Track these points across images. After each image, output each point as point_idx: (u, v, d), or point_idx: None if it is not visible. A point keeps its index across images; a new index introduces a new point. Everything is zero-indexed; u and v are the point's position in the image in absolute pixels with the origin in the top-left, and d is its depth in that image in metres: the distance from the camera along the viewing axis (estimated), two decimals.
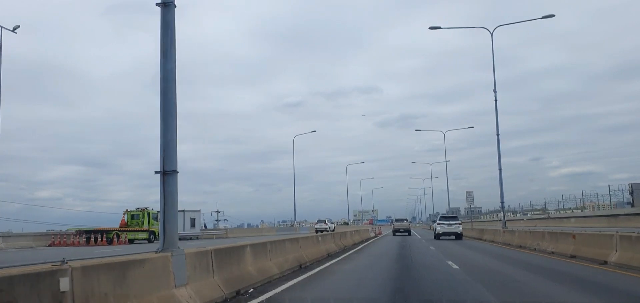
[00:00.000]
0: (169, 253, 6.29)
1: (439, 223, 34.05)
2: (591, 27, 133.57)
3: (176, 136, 7.12)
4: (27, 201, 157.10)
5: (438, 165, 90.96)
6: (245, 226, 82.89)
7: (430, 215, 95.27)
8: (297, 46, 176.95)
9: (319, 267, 13.29)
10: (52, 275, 4.12)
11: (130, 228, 37.48)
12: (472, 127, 66.27)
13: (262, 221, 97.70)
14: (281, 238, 13.41)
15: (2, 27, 29.27)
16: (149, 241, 37.09)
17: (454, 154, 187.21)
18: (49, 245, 32.63)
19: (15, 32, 30.01)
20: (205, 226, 69.94)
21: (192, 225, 47.60)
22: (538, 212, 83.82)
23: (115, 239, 34.83)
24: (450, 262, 13.89)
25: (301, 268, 12.50)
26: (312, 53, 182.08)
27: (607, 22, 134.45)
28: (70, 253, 21.68)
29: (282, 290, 8.72)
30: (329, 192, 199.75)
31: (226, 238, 49.32)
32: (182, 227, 44.20)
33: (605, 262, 12.43)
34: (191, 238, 44.62)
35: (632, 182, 51.57)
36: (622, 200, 61.69)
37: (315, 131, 59.55)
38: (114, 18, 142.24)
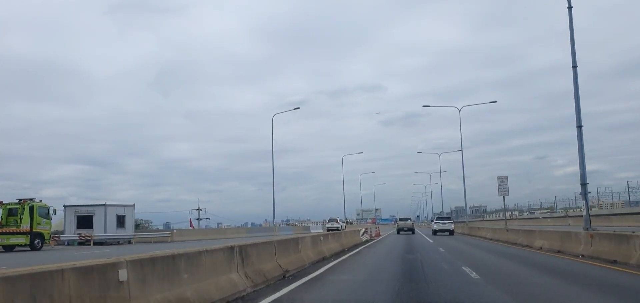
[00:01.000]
0: None
1: (435, 222, 44.99)
2: (596, 24, 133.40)
3: None
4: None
5: (443, 163, 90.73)
6: (241, 226, 78.18)
7: (434, 213, 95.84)
8: (300, 45, 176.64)
9: None
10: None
11: (5, 229, 26.48)
12: (495, 101, 61.37)
13: (265, 220, 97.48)
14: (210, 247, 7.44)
15: None
16: (33, 247, 26.53)
17: (457, 153, 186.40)
18: None
19: None
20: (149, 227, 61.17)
21: (121, 224, 37.51)
22: (546, 211, 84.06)
23: None
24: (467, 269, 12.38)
25: None
26: (315, 51, 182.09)
27: (611, 20, 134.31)
28: None
29: None
30: (333, 191, 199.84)
31: (170, 241, 39.28)
32: (102, 227, 35.83)
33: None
34: (113, 243, 35.27)
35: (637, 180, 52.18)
36: (626, 198, 62.32)
37: (298, 108, 54.59)
38: (117, 17, 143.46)
